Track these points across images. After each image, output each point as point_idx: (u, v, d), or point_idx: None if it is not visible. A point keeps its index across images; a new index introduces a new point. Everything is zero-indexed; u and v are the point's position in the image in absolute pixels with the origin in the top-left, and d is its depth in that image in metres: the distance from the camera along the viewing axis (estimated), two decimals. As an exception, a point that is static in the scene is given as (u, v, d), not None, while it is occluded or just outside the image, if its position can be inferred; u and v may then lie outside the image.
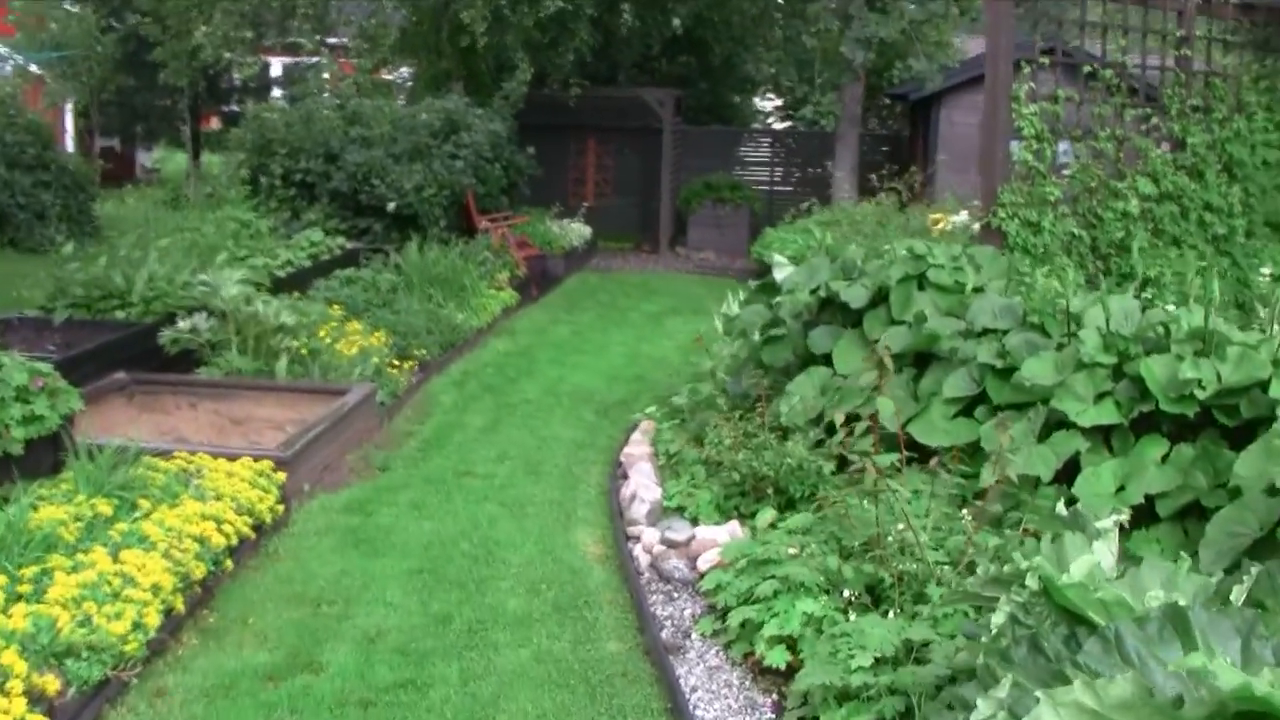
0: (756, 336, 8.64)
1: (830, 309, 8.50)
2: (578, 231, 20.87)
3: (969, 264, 8.43)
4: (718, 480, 7.78)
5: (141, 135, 32.11)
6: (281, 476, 7.51)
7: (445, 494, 8.14)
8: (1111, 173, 10.50)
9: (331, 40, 21.68)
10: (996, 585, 4.06)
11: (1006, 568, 4.05)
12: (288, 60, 29.58)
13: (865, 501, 6.21)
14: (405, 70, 23.58)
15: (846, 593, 5.64)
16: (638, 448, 8.95)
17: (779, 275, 9.05)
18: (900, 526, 5.79)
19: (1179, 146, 10.94)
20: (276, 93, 29.41)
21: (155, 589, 5.63)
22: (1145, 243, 10.39)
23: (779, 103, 30.26)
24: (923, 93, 20.35)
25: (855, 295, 8.11)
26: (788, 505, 7.36)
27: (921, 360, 7.66)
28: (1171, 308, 10.00)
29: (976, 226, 11.74)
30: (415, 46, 20.12)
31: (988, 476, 6.40)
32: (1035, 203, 9.84)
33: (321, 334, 10.37)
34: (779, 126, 29.77)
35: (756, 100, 31.62)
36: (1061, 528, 4.59)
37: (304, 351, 9.97)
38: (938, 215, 13.92)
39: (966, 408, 7.14)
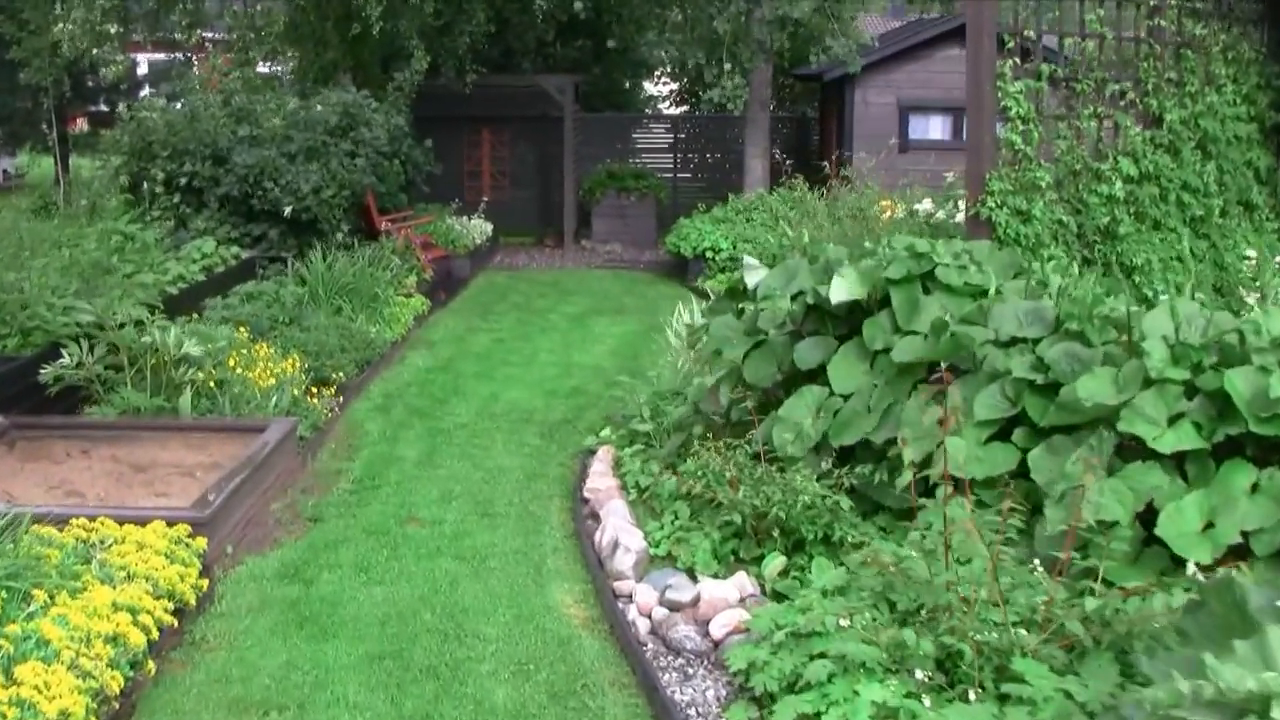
0: (734, 351, 7.62)
1: (818, 317, 7.54)
2: (479, 228, 19.74)
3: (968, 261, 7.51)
4: (708, 520, 6.78)
5: (2, 140, 30.21)
6: (201, 543, 6.35)
7: (391, 548, 7.03)
8: (1093, 154, 9.66)
9: (208, 34, 20.25)
10: (1214, 711, 3.08)
11: (1224, 683, 3.07)
12: (156, 57, 27.98)
13: (913, 550, 5.23)
14: (283, 66, 22.21)
15: (920, 673, 4.66)
16: (602, 480, 7.91)
17: (750, 279, 8.04)
18: (957, 580, 4.84)
19: (1155, 123, 10.14)
20: (146, 91, 27.79)
21: (64, 717, 4.47)
22: (1130, 227, 9.57)
23: (674, 87, 29.26)
24: (836, 73, 19.51)
25: (845, 298, 7.14)
26: (795, 547, 6.40)
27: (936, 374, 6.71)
28: (1165, 297, 9.25)
29: (947, 215, 10.88)
30: (302, 36, 18.80)
31: (1054, 518, 5.49)
32: (1024, 189, 8.94)
33: (230, 363, 9.16)
34: (675, 112, 28.80)
35: (650, 85, 30.62)
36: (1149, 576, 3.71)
37: (211, 384, 8.78)
38: (887, 203, 13.03)
39: (1001, 430, 6.21)
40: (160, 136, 14.30)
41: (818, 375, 7.21)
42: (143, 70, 30.56)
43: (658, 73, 29.39)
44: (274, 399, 8.88)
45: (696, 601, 5.95)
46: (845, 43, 18.14)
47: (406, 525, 7.44)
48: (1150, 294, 9.48)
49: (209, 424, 8.46)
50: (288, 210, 13.93)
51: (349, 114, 15.38)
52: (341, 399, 10.14)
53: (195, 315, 10.60)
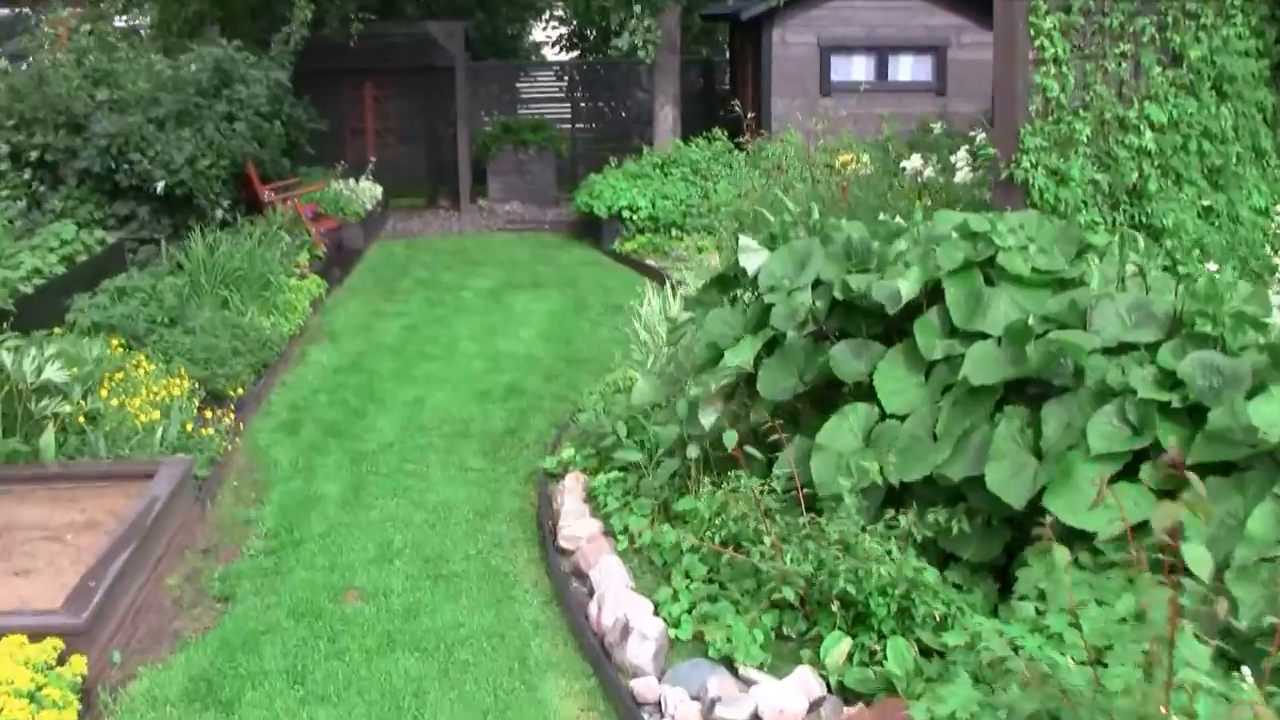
0: (740, 356, 6.11)
1: (845, 312, 6.08)
2: (369, 192, 17.98)
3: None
4: (735, 585, 5.33)
5: None
6: (79, 665, 4.73)
7: (329, 639, 5.45)
8: (1121, 100, 8.29)
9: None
10: None
11: None
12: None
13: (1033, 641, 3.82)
14: (143, 19, 20.08)
15: None
16: (579, 523, 6.39)
17: (749, 263, 6.55)
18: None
19: (1175, 62, 8.80)
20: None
21: None
22: (1157, 184, 8.24)
23: (563, 31, 27.51)
24: (756, 10, 17.99)
25: (893, 292, 5.69)
26: (856, 620, 4.97)
27: (1015, 390, 5.29)
28: (1213, 267, 7.95)
29: (935, 172, 9.43)
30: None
31: (1247, 599, 4.10)
32: (1060, 144, 7.52)
33: (103, 391, 7.45)
34: (569, 58, 27.08)
35: (539, 31, 28.86)
36: None
37: (80, 418, 7.08)
38: (846, 156, 11.55)
39: (1124, 466, 4.81)
40: (4, 104, 12.36)
41: (853, 388, 5.79)
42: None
43: (545, 16, 27.61)
44: (160, 431, 7.21)
45: (755, 717, 4.49)
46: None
47: (343, 600, 5.87)
48: (1180, 262, 8.17)
49: (81, 470, 6.79)
50: (160, 185, 12.11)
51: (223, 71, 13.53)
52: (239, 417, 8.49)
53: (56, 329, 8.82)
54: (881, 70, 18.64)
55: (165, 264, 11.56)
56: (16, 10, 20.19)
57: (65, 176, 12.18)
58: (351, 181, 17.79)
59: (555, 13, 27.31)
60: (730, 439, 5.67)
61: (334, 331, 11.41)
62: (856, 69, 18.74)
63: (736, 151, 17.24)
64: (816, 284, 6.20)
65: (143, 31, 18.87)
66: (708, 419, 6.19)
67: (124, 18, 18.95)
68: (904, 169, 9.15)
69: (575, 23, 26.78)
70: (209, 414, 7.83)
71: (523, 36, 29.14)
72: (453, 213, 20.18)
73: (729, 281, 6.91)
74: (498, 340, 11.11)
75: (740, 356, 6.04)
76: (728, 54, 22.81)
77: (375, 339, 11.13)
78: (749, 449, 5.73)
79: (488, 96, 22.52)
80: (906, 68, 18.81)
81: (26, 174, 12.21)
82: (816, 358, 5.91)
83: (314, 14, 15.51)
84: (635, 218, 16.09)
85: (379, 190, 18.41)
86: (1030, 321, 5.26)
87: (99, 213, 12.16)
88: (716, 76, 23.70)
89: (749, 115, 16.17)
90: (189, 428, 7.50)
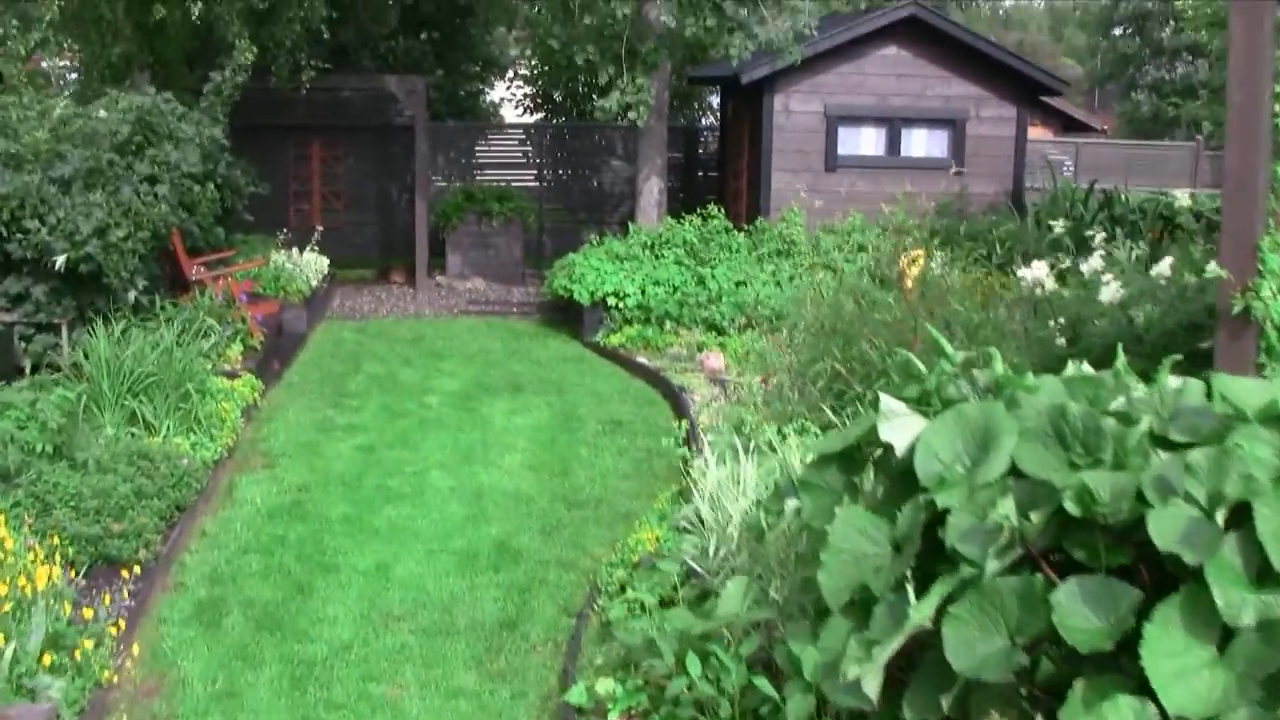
0: (919, 611, 3.93)
1: (1061, 523, 3.94)
2: (314, 265, 15.70)
3: None
4: None
5: None
6: None
7: None
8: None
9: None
10: None
11: None
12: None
13: None
14: (66, 62, 17.76)
15: None
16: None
17: (896, 437, 4.39)
18: None
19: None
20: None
21: None
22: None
23: (528, 91, 25.40)
24: (759, 73, 15.96)
25: (1176, 525, 3.58)
26: None
27: None
28: None
29: (1070, 289, 7.31)
30: (84, 22, 14.49)
31: None
32: (1310, 263, 5.42)
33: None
34: (536, 120, 25.00)
35: (500, 88, 26.75)
36: None
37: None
38: (916, 251, 9.42)
39: None
40: None
41: (1107, 659, 3.65)
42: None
43: (510, 75, 25.52)
44: (8, 654, 4.91)
45: None
46: (780, 25, 14.63)
47: None
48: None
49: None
50: (61, 260, 9.86)
51: (147, 125, 11.29)
52: (139, 597, 6.21)
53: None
54: (893, 144, 16.69)
55: (67, 355, 9.30)
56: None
57: (-59, 247, 9.91)
58: (295, 253, 15.53)
59: (520, 71, 25.23)
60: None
61: (271, 453, 9.14)
62: (866, 142, 16.79)
63: (735, 232, 15.21)
64: (1011, 476, 4.08)
65: (54, 76, 16.53)
66: (870, 685, 3.99)
67: (46, 60, 16.66)
68: (1021, 278, 7.05)
69: (541, 82, 24.70)
70: (88, 612, 5.52)
71: (480, 95, 27.04)
72: (407, 289, 17.98)
73: (854, 459, 4.76)
74: (477, 470, 8.89)
75: (920, 613, 3.86)
76: (719, 121, 20.76)
77: (323, 465, 8.88)
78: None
79: (445, 161, 20.38)
80: (920, 142, 16.87)
81: (-108, 243, 9.92)
82: (1036, 610, 3.76)
83: (258, 61, 13.31)
84: (622, 305, 13.98)
85: (325, 263, 16.17)
86: None
87: (-17, 293, 9.89)
88: (698, 146, 21.69)
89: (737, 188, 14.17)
90: (57, 622, 5.21)
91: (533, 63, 24.45)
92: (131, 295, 10.50)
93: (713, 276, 14.14)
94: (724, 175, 19.03)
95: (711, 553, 5.78)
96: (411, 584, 6.76)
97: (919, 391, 4.69)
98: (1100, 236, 8.47)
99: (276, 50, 15.15)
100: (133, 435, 8.16)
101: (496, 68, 25.19)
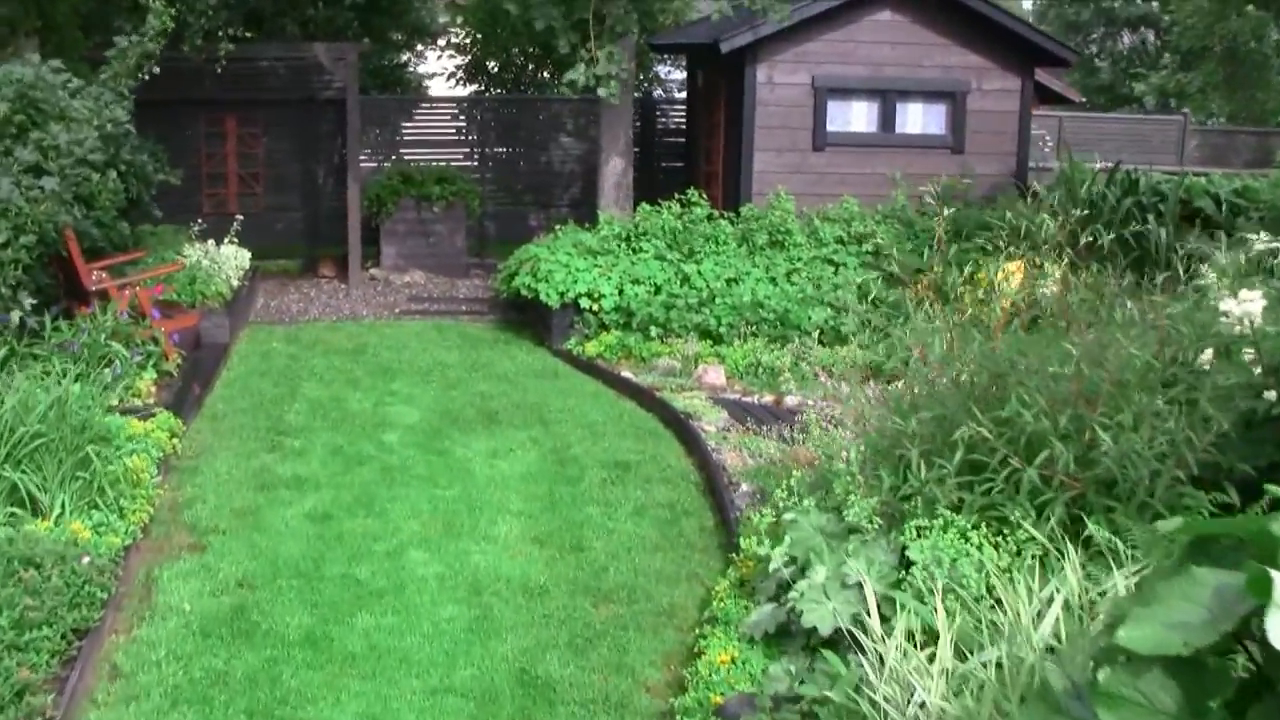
0: None
1: None
2: (234, 261, 13.54)
3: None
4: None
5: None
6: None
7: None
8: None
9: None
10: None
11: None
12: None
13: None
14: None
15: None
16: None
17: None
18: None
19: None
20: None
21: None
22: None
23: (461, 62, 23.20)
24: (740, 40, 14.03)
25: None
26: None
27: None
28: None
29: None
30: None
31: None
32: None
33: None
34: (470, 93, 22.87)
35: (431, 59, 24.59)
36: None
37: None
38: (1013, 265, 7.46)
39: None
40: None
41: None
42: None
43: (444, 43, 23.32)
44: None
45: None
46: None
47: None
48: None
49: None
50: (-80, 275, 7.76)
51: (30, 102, 9.15)
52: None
53: None
54: (887, 120, 14.85)
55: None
56: None
57: None
58: (211, 246, 13.38)
59: (452, 40, 23.06)
60: None
61: (199, 527, 7.10)
62: (857, 117, 14.93)
63: (721, 221, 13.31)
64: None
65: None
66: None
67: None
68: (1224, 313, 5.22)
69: (477, 51, 22.56)
70: None
71: (406, 66, 24.84)
72: (339, 285, 15.91)
73: (1203, 669, 2.90)
74: (467, 547, 6.94)
75: None
76: (686, 95, 18.70)
77: (268, 545, 6.86)
78: None
79: (374, 138, 18.24)
80: (916, 117, 15.05)
81: None
82: None
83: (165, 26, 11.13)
84: (597, 308, 12.07)
85: (246, 257, 14.03)
86: None
87: None
88: (654, 122, 19.70)
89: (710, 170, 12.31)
90: None
91: (466, 30, 22.28)
92: (15, 316, 8.39)
93: (699, 273, 12.27)
94: (693, 156, 17.06)
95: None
96: (412, 754, 4.83)
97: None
98: (1262, 238, 6.64)
99: (187, 13, 12.97)
100: (14, 518, 6.12)
101: (426, 36, 23.01)
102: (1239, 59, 28.11)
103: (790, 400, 10.15)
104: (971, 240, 12.40)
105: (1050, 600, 4.16)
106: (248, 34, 14.10)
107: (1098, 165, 14.49)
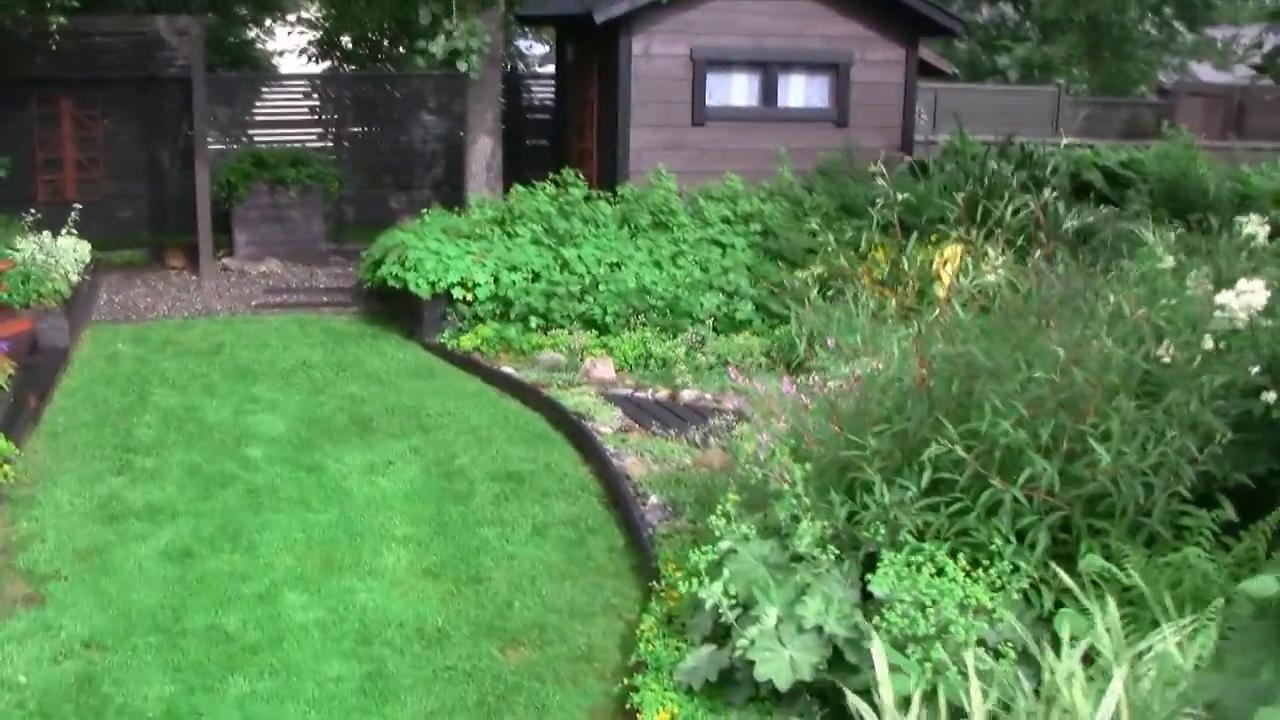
0: None
1: None
2: (73, 254, 12.41)
3: None
4: None
5: None
6: None
7: None
8: None
9: None
10: None
11: None
12: None
13: None
14: None
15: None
16: None
17: None
18: None
19: None
20: None
21: None
22: None
23: (313, 37, 22.05)
24: (611, 11, 13.24)
25: None
26: None
27: None
28: None
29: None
30: None
31: None
32: None
33: None
34: (323, 70, 21.75)
35: (281, 34, 23.38)
36: None
37: None
38: (949, 251, 6.83)
39: None
40: None
41: None
42: None
43: (294, 17, 22.14)
44: None
45: None
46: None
47: None
48: None
49: None
50: None
51: None
52: None
53: None
54: (769, 93, 14.20)
55: None
56: None
57: None
58: (47, 238, 12.25)
59: (303, 15, 21.89)
60: None
61: (37, 573, 6.15)
62: (738, 91, 14.26)
63: (600, 202, 12.54)
64: None
65: None
66: None
67: None
68: (1227, 304, 4.56)
69: (329, 25, 21.43)
70: None
71: (253, 42, 23.58)
72: (189, 276, 14.82)
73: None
74: (350, 584, 6.10)
75: None
76: (555, 69, 17.84)
77: (119, 592, 5.94)
78: None
79: (221, 119, 17.11)
80: (799, 90, 14.43)
81: None
82: None
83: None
84: (471, 298, 11.25)
85: (86, 249, 12.90)
86: None
87: None
88: (519, 98, 18.85)
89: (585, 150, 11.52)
90: None
91: (318, 3, 21.15)
92: None
93: (579, 258, 11.49)
94: (563, 134, 16.24)
95: None
96: None
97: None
98: (1256, 222, 6.07)
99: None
100: None
101: (275, 10, 21.82)
102: (1102, 30, 28.09)
103: (687, 394, 9.48)
104: (861, 218, 11.80)
105: (1085, 657, 3.49)
106: (80, 5, 12.90)
107: (981, 139, 14.03)
